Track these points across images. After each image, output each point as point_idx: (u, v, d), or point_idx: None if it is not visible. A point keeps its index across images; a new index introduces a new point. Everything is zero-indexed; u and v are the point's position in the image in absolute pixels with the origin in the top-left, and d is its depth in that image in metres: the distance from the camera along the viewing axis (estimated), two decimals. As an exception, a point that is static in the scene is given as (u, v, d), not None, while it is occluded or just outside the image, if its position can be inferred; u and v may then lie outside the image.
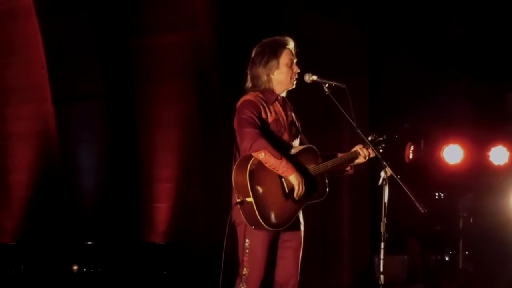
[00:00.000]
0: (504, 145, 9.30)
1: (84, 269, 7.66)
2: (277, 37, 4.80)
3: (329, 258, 9.24)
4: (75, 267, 7.62)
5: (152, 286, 7.50)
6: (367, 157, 4.91)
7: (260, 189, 4.46)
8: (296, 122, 4.87)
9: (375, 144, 4.88)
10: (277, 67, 4.72)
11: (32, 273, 7.57)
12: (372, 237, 9.46)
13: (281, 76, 4.73)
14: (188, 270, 7.55)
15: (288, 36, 4.83)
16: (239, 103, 4.65)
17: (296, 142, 4.79)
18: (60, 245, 7.88)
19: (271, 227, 4.48)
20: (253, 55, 4.77)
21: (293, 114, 4.85)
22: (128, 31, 8.40)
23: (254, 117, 4.53)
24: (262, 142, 4.42)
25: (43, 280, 7.52)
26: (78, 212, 8.38)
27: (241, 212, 4.52)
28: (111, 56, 8.40)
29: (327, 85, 4.73)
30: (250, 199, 4.42)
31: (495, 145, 9.34)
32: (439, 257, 9.90)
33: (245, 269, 4.61)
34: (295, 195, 4.50)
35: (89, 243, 8.03)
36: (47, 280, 7.52)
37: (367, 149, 4.87)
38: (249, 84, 4.78)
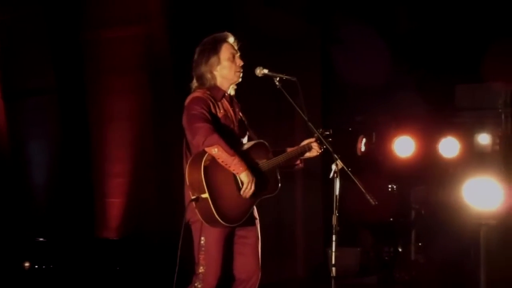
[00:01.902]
0: (454, 137, 9.40)
1: (36, 266, 7.58)
2: (216, 34, 4.79)
3: (283, 251, 9.25)
4: (26, 264, 7.54)
5: (105, 282, 7.45)
6: (319, 151, 4.94)
7: (215, 185, 4.43)
8: (244, 120, 4.87)
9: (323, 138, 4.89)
10: (219, 62, 4.71)
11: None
12: (326, 230, 9.50)
13: (224, 71, 4.72)
14: (141, 266, 7.51)
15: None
16: (187, 100, 4.62)
17: (244, 140, 4.79)
18: (11, 241, 7.78)
19: (228, 223, 4.46)
20: (195, 56, 4.76)
21: (240, 113, 4.85)
22: (80, 25, 8.32)
23: (205, 112, 4.50)
24: (215, 137, 4.38)
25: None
26: (29, 208, 8.28)
27: (196, 210, 4.49)
28: (63, 50, 8.30)
29: (278, 78, 4.74)
30: (206, 195, 4.39)
31: (445, 137, 9.45)
32: (391, 248, 9.99)
33: (201, 268, 4.59)
34: (241, 192, 4.49)
35: (41, 239, 7.94)
36: (-2, 278, 7.42)
37: (317, 142, 4.91)
38: (195, 83, 4.76)
